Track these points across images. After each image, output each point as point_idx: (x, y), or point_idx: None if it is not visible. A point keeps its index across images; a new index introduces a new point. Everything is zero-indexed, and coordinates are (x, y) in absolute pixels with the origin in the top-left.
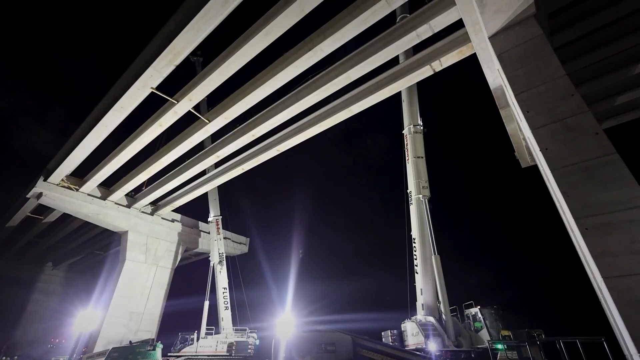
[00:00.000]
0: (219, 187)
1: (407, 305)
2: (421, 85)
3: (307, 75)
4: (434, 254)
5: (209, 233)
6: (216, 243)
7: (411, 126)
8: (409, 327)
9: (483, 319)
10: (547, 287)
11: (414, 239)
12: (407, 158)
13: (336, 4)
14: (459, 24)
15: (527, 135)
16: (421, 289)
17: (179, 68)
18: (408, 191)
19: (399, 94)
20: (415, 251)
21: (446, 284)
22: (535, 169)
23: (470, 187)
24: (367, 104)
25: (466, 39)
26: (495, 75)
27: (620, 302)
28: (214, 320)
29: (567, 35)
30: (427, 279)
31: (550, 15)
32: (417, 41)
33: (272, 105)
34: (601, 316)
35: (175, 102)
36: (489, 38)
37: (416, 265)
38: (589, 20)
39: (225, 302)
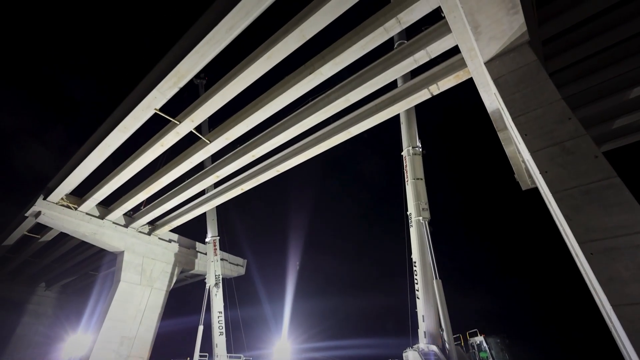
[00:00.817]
0: (218, 208)
1: (408, 331)
2: (420, 107)
3: (307, 98)
4: (436, 278)
5: (206, 254)
6: (213, 264)
7: (410, 148)
8: (411, 357)
9: (488, 348)
10: (555, 314)
11: (415, 262)
12: (406, 180)
13: (336, 30)
14: (455, 50)
15: (526, 158)
16: (423, 316)
17: (182, 90)
18: (408, 213)
19: (397, 117)
20: (415, 275)
21: (449, 310)
22: (536, 191)
23: (472, 210)
24: (366, 126)
25: (462, 64)
26: (492, 98)
27: (631, 332)
28: (207, 345)
29: (562, 61)
30: (428, 305)
31: (544, 42)
32: (415, 66)
33: (273, 127)
34: (612, 345)
35: (178, 122)
36: (485, 64)
37: (417, 290)
38: (582, 47)
39: (220, 327)
